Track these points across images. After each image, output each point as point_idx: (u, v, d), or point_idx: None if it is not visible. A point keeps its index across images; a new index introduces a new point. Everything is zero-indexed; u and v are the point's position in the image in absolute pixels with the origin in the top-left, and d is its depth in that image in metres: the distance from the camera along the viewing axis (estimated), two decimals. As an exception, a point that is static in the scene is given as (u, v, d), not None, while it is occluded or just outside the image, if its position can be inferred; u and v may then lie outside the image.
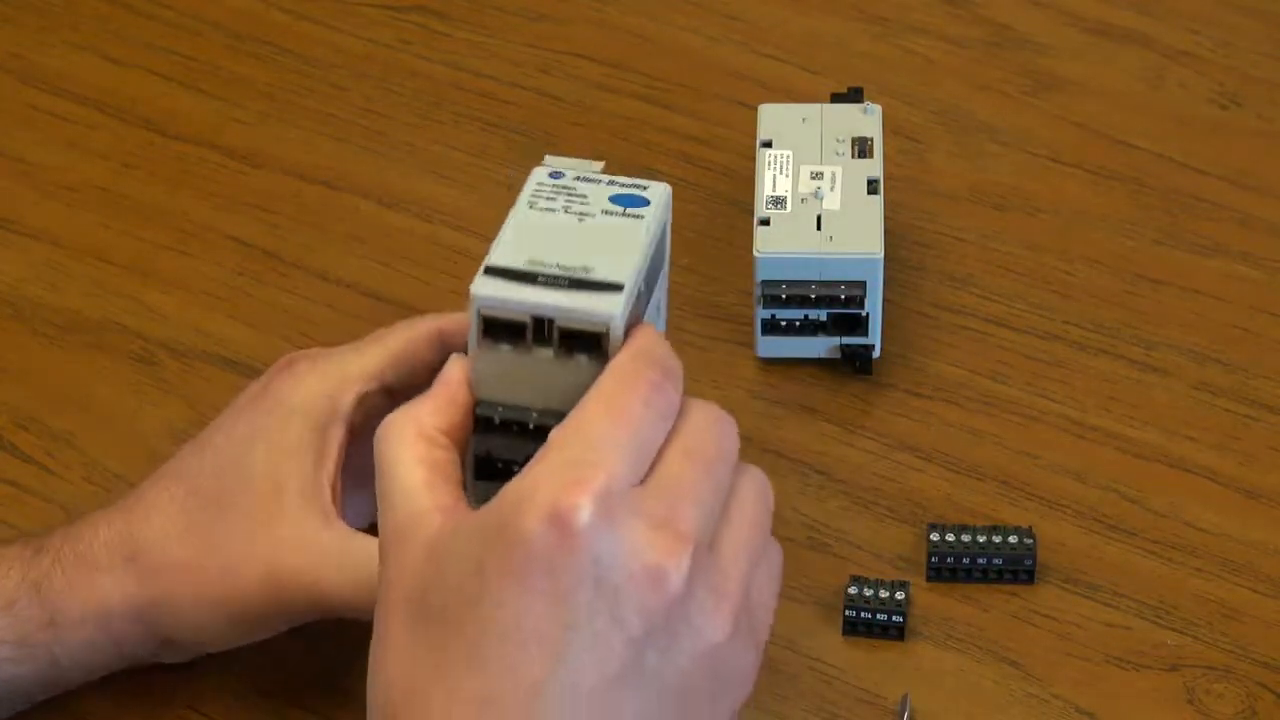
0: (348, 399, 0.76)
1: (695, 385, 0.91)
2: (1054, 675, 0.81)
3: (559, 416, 0.69)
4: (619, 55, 1.07)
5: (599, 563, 0.60)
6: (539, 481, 0.61)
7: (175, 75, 1.07)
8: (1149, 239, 0.97)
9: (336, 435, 0.76)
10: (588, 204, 0.76)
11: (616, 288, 0.71)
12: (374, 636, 0.63)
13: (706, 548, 0.62)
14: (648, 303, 0.75)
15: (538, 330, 0.70)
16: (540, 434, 0.70)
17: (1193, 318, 0.94)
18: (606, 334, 0.69)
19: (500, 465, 0.72)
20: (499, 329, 0.71)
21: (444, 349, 0.78)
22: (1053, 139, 1.02)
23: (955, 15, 1.08)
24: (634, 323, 0.71)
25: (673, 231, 0.98)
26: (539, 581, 0.60)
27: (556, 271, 0.71)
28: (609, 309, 0.69)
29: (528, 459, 0.70)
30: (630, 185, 0.76)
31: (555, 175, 0.76)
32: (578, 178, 0.76)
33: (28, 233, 1.00)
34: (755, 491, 0.65)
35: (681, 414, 0.64)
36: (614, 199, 0.76)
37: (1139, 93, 1.04)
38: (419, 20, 1.09)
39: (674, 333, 0.93)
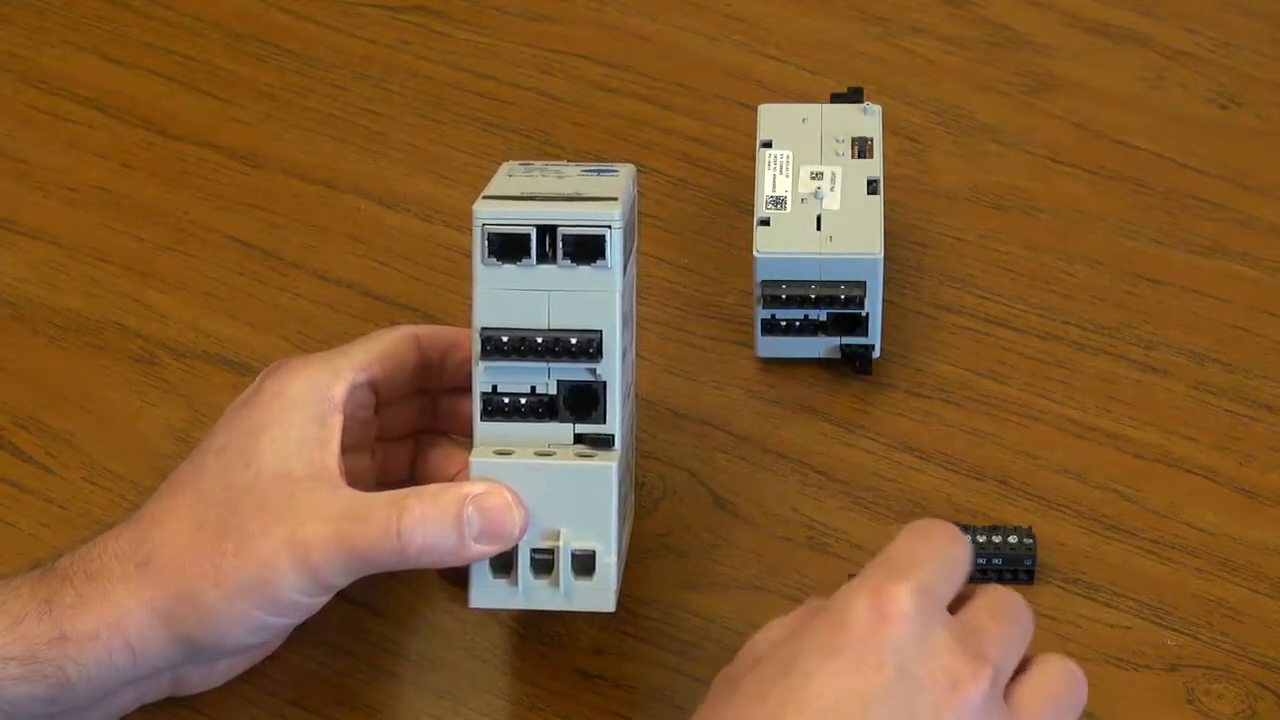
0: (341, 388, 0.78)
1: (695, 385, 0.92)
2: (1054, 675, 0.81)
3: (563, 334, 0.73)
4: (619, 55, 1.07)
5: (906, 650, 0.65)
6: (861, 580, 0.67)
7: (175, 75, 1.07)
8: (1149, 239, 0.97)
9: (336, 423, 0.77)
10: (562, 173, 0.79)
11: (612, 199, 0.75)
12: None
13: (1001, 687, 0.67)
14: (630, 255, 0.77)
15: (540, 244, 0.74)
16: (547, 353, 0.74)
17: (1192, 318, 0.94)
18: (608, 237, 0.73)
19: (506, 401, 0.75)
20: (502, 246, 0.74)
21: (421, 353, 0.81)
22: (1053, 139, 1.02)
23: (955, 15, 1.08)
24: (626, 263, 0.76)
25: (673, 232, 0.99)
26: (849, 658, 0.65)
27: (552, 194, 0.76)
28: (609, 210, 0.74)
29: (534, 391, 0.74)
30: (597, 165, 0.81)
31: (524, 164, 0.80)
32: (546, 165, 0.81)
33: (28, 233, 1.00)
34: (1066, 673, 0.70)
35: (978, 590, 0.71)
36: (585, 170, 0.80)
37: (1139, 93, 1.04)
38: (419, 20, 1.09)
39: (674, 333, 0.94)
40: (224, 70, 1.07)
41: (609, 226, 0.74)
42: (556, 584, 0.75)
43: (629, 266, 0.77)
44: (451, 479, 0.82)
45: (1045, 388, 0.91)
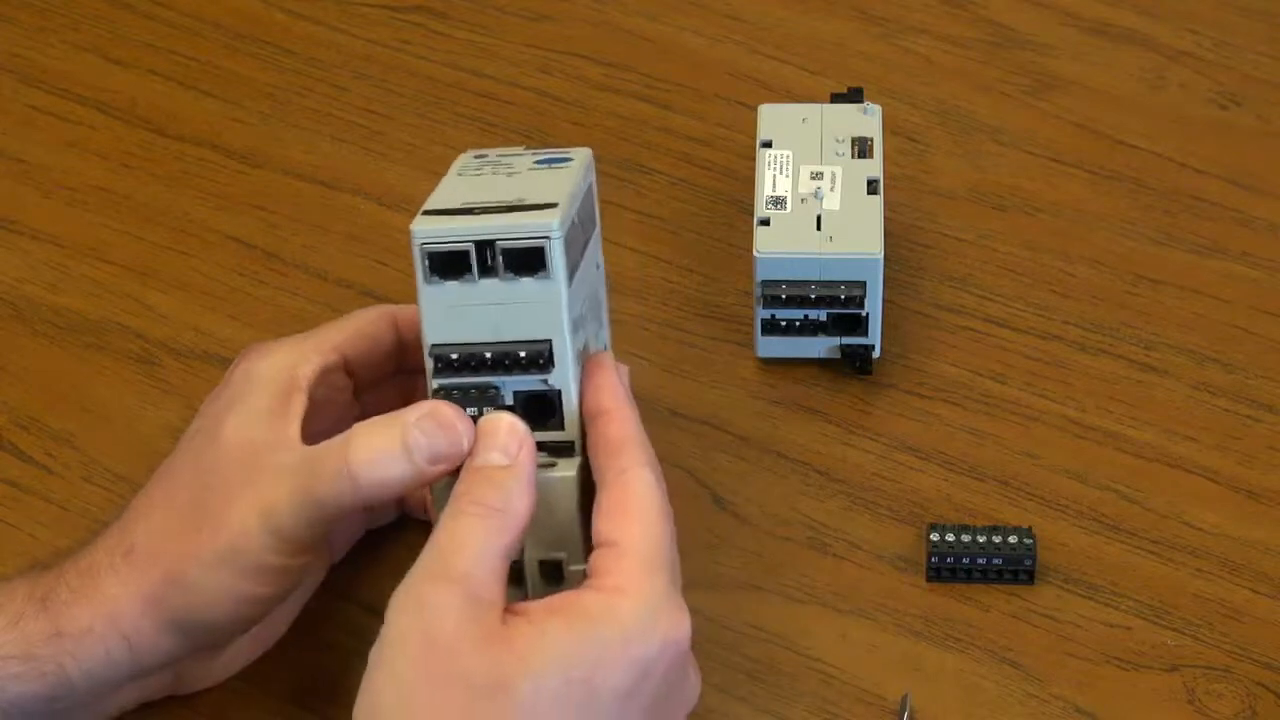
0: (308, 369, 0.77)
1: (695, 385, 0.92)
2: (1054, 675, 0.81)
3: (512, 347, 0.73)
4: (619, 55, 1.07)
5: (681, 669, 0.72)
6: (648, 602, 0.70)
7: (175, 75, 1.07)
8: (1149, 239, 0.97)
9: (299, 401, 0.76)
10: (513, 167, 0.78)
11: (551, 206, 0.73)
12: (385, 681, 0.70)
13: None
14: (583, 251, 0.75)
15: (480, 259, 0.73)
16: (497, 367, 0.73)
17: (1192, 318, 0.94)
18: (547, 248, 0.71)
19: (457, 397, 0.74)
20: (443, 264, 0.73)
21: (397, 331, 0.81)
22: (1053, 139, 1.02)
23: (955, 15, 1.08)
24: (574, 265, 0.74)
25: (673, 232, 0.99)
26: (648, 697, 0.70)
27: (492, 204, 0.74)
28: (547, 220, 0.72)
29: (481, 393, 0.73)
30: (552, 151, 0.79)
31: (479, 155, 0.79)
32: (500, 155, 0.79)
33: (28, 233, 1.00)
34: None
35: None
36: (538, 161, 0.79)
37: (1139, 93, 1.04)
38: (419, 20, 1.09)
39: (674, 332, 0.94)
40: (224, 70, 1.07)
41: (547, 237, 0.72)
42: (525, 594, 0.75)
43: (584, 264, 0.75)
44: None
45: (1045, 388, 0.91)
